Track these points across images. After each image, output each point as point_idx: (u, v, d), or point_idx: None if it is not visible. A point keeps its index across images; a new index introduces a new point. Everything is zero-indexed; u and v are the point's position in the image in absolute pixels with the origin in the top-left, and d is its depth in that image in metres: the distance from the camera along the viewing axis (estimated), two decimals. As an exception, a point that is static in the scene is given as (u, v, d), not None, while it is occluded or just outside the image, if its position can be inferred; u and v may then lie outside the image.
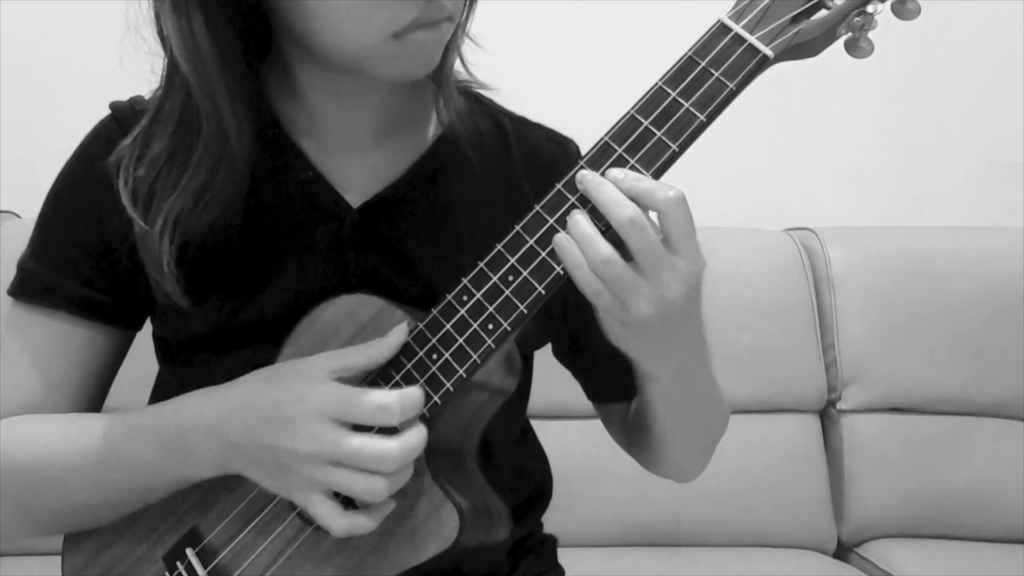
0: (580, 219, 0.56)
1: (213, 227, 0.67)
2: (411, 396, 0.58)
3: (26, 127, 1.60)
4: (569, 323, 0.78)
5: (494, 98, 0.78)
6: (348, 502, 0.60)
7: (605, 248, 0.55)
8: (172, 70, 0.64)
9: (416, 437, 0.58)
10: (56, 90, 1.61)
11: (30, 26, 1.62)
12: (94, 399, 0.72)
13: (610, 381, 0.80)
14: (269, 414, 0.59)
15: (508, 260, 0.58)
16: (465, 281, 0.60)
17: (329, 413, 0.58)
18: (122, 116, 0.71)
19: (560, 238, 0.57)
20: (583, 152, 0.77)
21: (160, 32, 0.64)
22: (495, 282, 0.59)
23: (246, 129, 0.64)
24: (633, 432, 0.80)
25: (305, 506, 0.59)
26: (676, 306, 0.56)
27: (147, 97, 0.70)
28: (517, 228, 0.59)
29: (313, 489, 0.58)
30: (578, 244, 0.56)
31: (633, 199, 0.55)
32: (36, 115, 1.60)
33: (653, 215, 0.56)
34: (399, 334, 0.61)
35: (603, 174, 0.56)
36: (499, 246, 0.59)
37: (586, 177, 0.57)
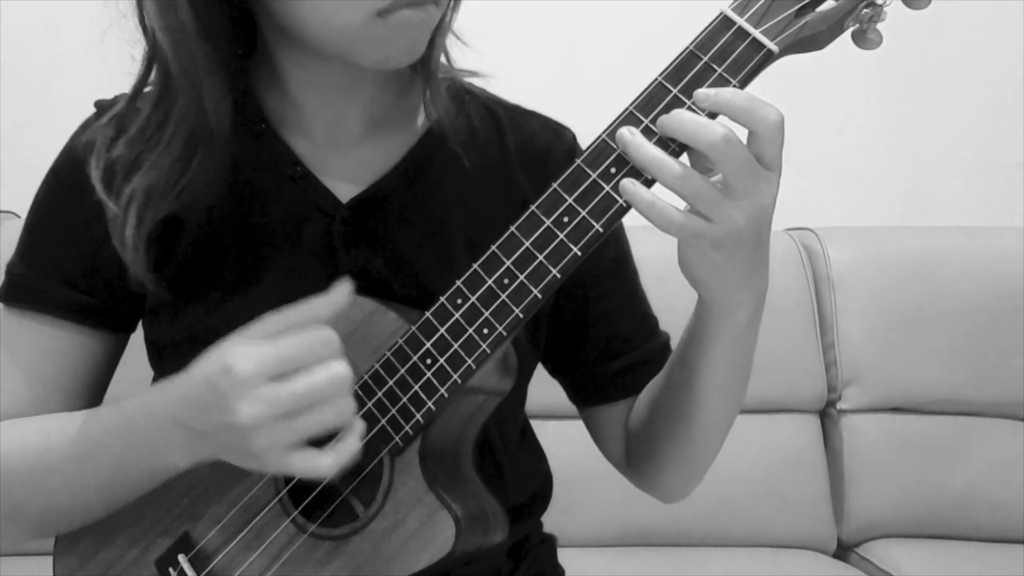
0: (640, 144, 0.54)
1: (197, 218, 0.66)
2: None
3: (26, 127, 1.59)
4: (563, 318, 0.76)
5: (486, 88, 0.77)
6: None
7: (676, 165, 0.53)
8: (152, 52, 0.63)
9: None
10: (56, 90, 1.60)
11: (30, 26, 1.61)
12: (86, 404, 0.71)
13: (612, 376, 0.78)
14: (207, 396, 0.55)
15: (504, 263, 0.57)
16: (459, 283, 0.59)
17: (263, 373, 0.53)
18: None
19: (625, 182, 0.54)
20: (579, 139, 0.77)
21: (140, 16, 0.63)
22: (490, 285, 0.58)
23: (224, 106, 0.63)
24: (643, 434, 0.77)
25: (284, 470, 0.56)
26: (768, 213, 0.54)
27: None
28: (512, 229, 0.57)
29: (280, 452, 0.54)
30: (647, 169, 0.53)
31: (726, 112, 0.53)
32: (36, 115, 1.59)
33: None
34: (343, 288, 0.56)
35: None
36: (494, 247, 0.58)
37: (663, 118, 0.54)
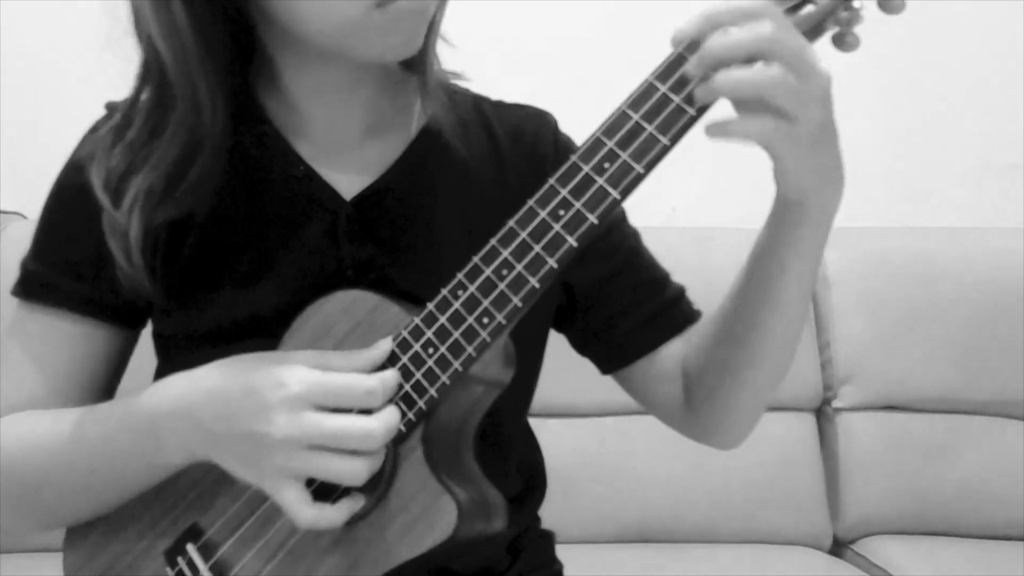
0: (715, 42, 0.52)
1: (202, 217, 0.68)
2: (390, 378, 0.59)
3: (32, 128, 1.60)
4: (569, 292, 0.77)
5: (469, 88, 0.79)
6: (317, 496, 0.60)
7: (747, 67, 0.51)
8: (148, 58, 0.65)
9: (393, 416, 0.59)
10: (62, 91, 1.60)
11: (34, 26, 1.62)
12: (98, 398, 0.72)
13: (627, 335, 0.77)
14: (244, 400, 0.58)
15: (501, 254, 0.59)
16: (460, 275, 0.60)
17: (310, 399, 0.57)
18: None
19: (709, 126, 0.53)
20: (559, 125, 0.79)
21: (136, 22, 0.64)
22: (489, 276, 0.59)
23: (220, 105, 0.65)
24: (706, 375, 0.74)
25: (273, 493, 0.59)
26: (830, 94, 0.57)
27: None
28: (511, 223, 0.59)
29: (284, 476, 0.58)
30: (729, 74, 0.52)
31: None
32: (42, 116, 1.60)
33: None
34: (383, 348, 0.61)
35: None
36: (493, 240, 0.59)
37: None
